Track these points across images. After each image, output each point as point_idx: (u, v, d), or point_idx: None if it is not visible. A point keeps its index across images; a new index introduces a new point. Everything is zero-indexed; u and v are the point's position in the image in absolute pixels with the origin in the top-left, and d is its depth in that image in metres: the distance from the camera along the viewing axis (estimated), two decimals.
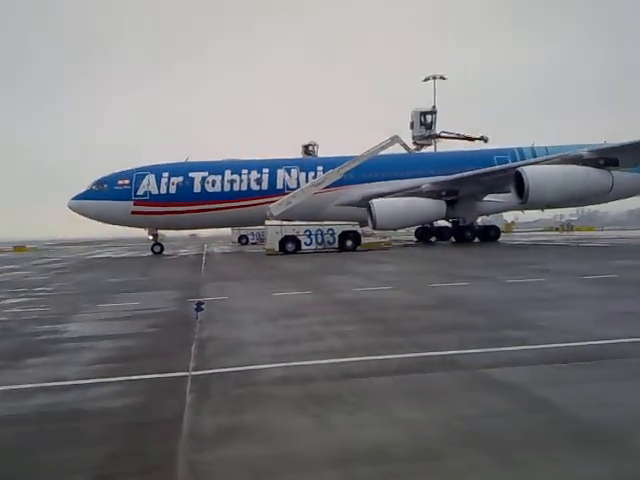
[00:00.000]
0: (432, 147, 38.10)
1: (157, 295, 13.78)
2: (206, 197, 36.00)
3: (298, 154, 46.77)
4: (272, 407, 4.78)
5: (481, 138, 36.04)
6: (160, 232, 38.31)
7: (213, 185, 36.23)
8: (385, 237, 33.39)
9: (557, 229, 67.32)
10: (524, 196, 28.38)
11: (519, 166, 30.21)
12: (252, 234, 53.38)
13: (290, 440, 4.06)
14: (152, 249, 37.69)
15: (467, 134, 36.54)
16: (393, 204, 32.25)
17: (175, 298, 12.94)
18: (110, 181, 35.85)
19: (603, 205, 48.98)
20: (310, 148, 46.98)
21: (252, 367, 6.11)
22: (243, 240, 55.34)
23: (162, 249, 37.84)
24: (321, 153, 45.50)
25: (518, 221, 78.89)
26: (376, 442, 3.94)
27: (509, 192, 30.10)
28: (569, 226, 68.34)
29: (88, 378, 6.01)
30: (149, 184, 35.53)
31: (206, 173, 36.45)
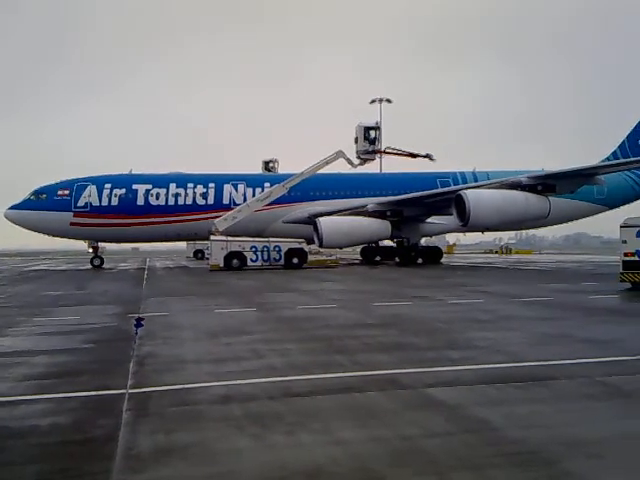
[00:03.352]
0: (376, 163, 38.46)
1: (96, 310, 13.41)
2: (150, 210, 35.29)
3: (259, 170, 46.27)
4: (211, 426, 4.70)
5: (427, 156, 36.35)
6: (100, 245, 37.29)
7: (157, 198, 35.59)
8: (331, 255, 33.55)
9: (496, 252, 69.14)
10: (465, 218, 29.04)
11: (461, 189, 30.93)
12: (208, 248, 51.72)
13: (228, 460, 4.00)
14: (92, 262, 36.62)
15: (413, 151, 36.80)
16: (339, 223, 32.45)
17: (114, 313, 12.62)
18: (49, 191, 34.75)
19: (541, 229, 50.78)
20: (270, 164, 46.44)
21: (191, 385, 6.01)
22: (199, 255, 53.30)
23: (102, 262, 36.84)
24: (282, 170, 45.22)
25: (459, 243, 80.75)
26: (316, 462, 3.92)
27: (451, 214, 30.76)
28: (508, 249, 70.28)
29: (18, 395, 5.77)
30: (90, 195, 34.60)
31: (150, 186, 35.78)
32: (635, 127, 41.14)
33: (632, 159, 36.24)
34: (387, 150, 36.44)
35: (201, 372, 6.65)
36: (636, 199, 39.76)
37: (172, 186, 36.05)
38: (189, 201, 35.99)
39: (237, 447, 4.22)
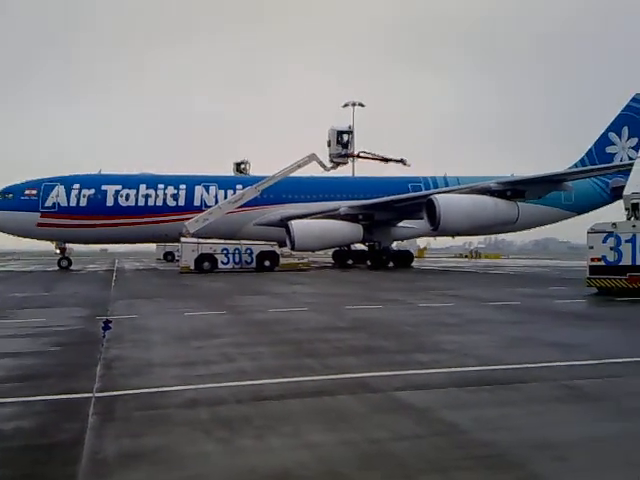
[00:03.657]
0: (349, 166, 38.60)
1: (63, 312, 13.18)
2: (119, 211, 34.82)
3: (230, 172, 45.86)
4: (179, 431, 4.64)
5: (400, 160, 36.52)
6: (68, 246, 36.66)
7: (127, 199, 35.13)
8: (303, 258, 33.54)
9: (466, 256, 69.91)
10: (436, 223, 29.34)
11: (432, 194, 31.23)
12: (178, 250, 50.81)
13: (196, 464, 3.95)
14: (59, 263, 36.00)
15: (387, 156, 36.89)
16: (312, 226, 32.46)
17: (82, 315, 12.41)
18: (16, 190, 34.03)
19: (510, 234, 51.56)
20: (242, 166, 46.05)
21: (160, 389, 5.93)
22: (169, 257, 52.20)
23: (70, 264, 36.24)
24: (254, 172, 44.93)
25: (430, 247, 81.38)
26: (285, 466, 3.89)
27: (422, 219, 31.04)
28: (477, 253, 71.16)
29: None
30: (58, 195, 33.98)
31: (120, 186, 35.34)
32: (602, 135, 42.07)
33: (599, 166, 37.13)
34: (360, 154, 36.61)
35: (169, 376, 6.56)
36: (603, 205, 40.67)
37: (142, 187, 35.66)
38: (159, 202, 35.62)
39: (205, 451, 4.17)
